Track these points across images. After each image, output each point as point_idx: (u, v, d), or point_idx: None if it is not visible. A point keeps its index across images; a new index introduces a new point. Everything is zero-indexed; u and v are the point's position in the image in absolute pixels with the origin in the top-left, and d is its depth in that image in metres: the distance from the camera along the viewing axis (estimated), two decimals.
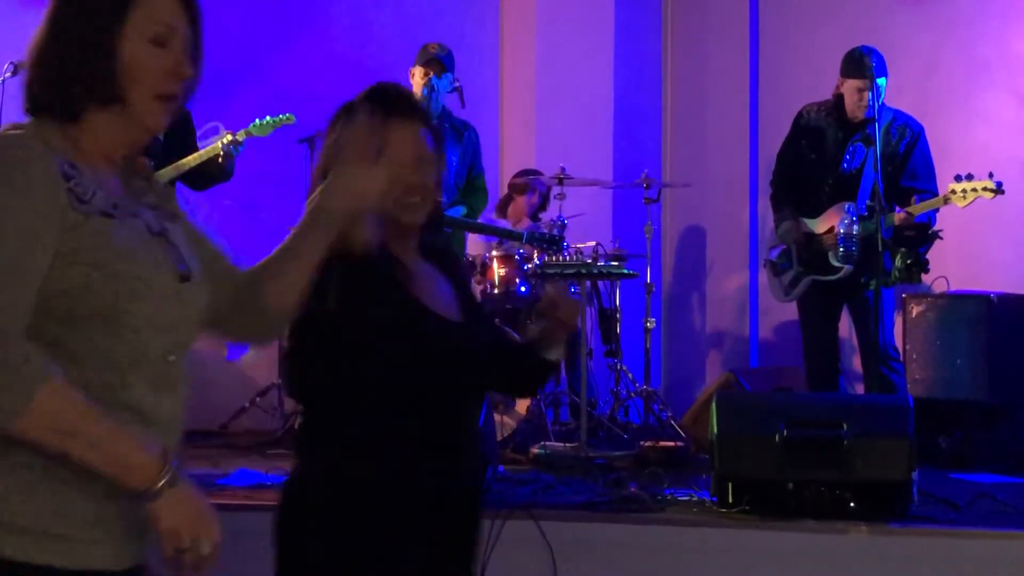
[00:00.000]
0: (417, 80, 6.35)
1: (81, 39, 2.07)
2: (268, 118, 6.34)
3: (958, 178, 6.06)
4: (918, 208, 6.10)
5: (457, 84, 6.52)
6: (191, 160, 6.11)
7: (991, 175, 6.02)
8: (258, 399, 7.87)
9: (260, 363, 8.32)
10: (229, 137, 6.09)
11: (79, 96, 2.08)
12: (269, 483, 5.76)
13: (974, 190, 6.02)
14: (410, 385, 2.66)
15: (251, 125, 6.28)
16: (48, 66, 2.09)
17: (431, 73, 6.30)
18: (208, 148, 6.14)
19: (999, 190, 6.02)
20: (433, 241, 2.92)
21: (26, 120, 2.13)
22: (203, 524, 2.05)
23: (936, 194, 6.22)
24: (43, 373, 1.92)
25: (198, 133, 6.29)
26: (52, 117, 2.10)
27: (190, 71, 2.15)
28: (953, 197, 6.05)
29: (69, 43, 2.08)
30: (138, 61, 2.09)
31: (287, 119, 6.42)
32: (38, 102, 2.11)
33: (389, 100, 2.75)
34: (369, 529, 2.67)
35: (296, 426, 2.58)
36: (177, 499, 2.01)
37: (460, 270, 3.01)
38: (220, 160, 6.11)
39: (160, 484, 1.99)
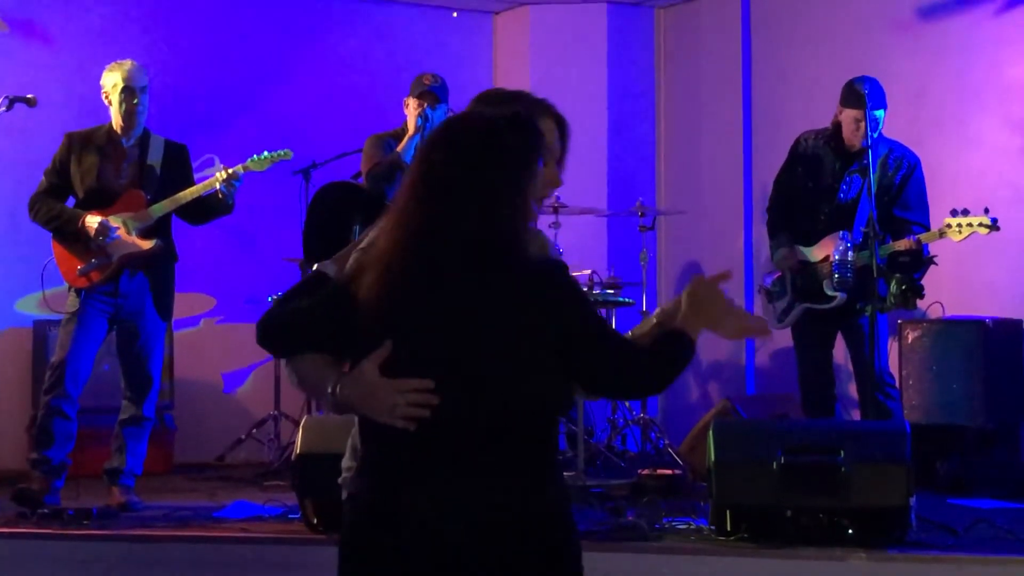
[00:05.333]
0: (411, 111, 6.36)
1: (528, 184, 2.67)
2: (266, 153, 6.34)
3: (954, 212, 6.07)
4: (922, 238, 6.12)
5: (451, 115, 6.53)
6: (187, 194, 6.11)
7: (987, 210, 6.04)
8: (255, 431, 7.86)
9: (256, 396, 8.32)
10: (224, 174, 6.08)
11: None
12: (266, 515, 5.76)
13: (970, 225, 6.03)
14: None
15: (249, 160, 6.28)
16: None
17: (425, 104, 6.32)
18: (204, 183, 6.13)
19: (994, 226, 6.04)
20: None
21: None
22: (375, 397, 2.59)
23: (928, 225, 6.24)
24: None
25: (194, 166, 6.29)
26: None
27: (560, 180, 2.94)
28: (949, 231, 6.07)
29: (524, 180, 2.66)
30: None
31: (284, 155, 6.41)
32: None
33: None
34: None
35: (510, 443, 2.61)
36: (347, 397, 2.62)
37: None
38: (220, 195, 6.11)
39: (331, 391, 2.64)
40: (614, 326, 7.56)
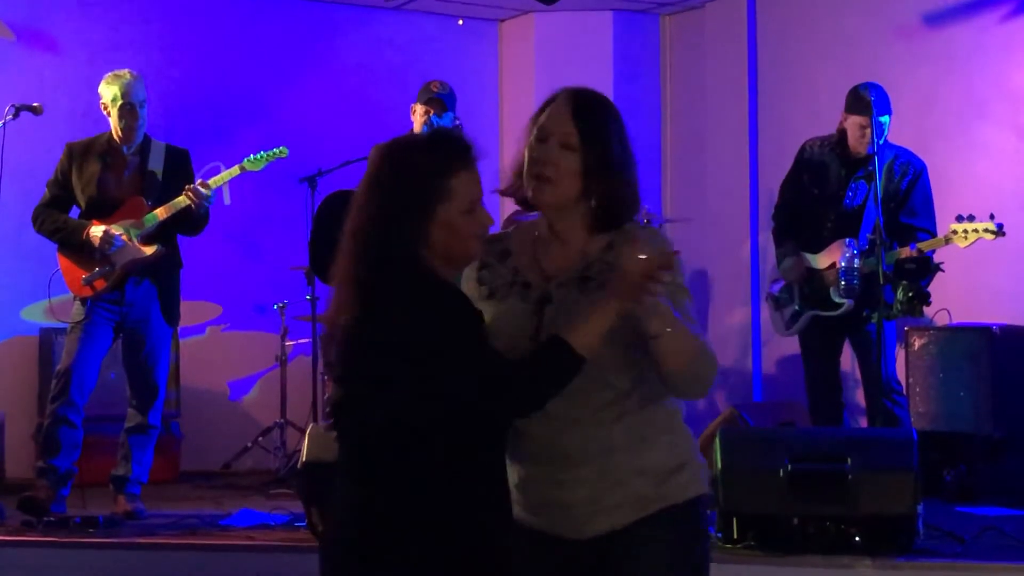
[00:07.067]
0: (418, 117, 6.37)
1: None
2: (262, 153, 6.35)
3: (960, 218, 6.05)
4: (925, 245, 6.11)
5: (457, 122, 6.54)
6: (183, 200, 6.07)
7: (992, 216, 6.02)
8: (260, 439, 7.86)
9: (262, 403, 8.32)
10: (190, 197, 6.03)
11: None
12: (272, 523, 5.76)
13: (975, 231, 6.02)
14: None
15: (245, 160, 6.30)
16: None
17: (432, 111, 6.32)
18: (181, 197, 6.07)
19: (1000, 232, 6.02)
20: None
21: None
22: None
23: (934, 232, 6.23)
24: None
25: (200, 173, 6.28)
26: None
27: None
28: (955, 237, 6.05)
29: None
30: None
31: (280, 152, 6.42)
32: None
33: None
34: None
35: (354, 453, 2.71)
36: None
37: None
38: (193, 206, 6.06)
39: None
40: None
